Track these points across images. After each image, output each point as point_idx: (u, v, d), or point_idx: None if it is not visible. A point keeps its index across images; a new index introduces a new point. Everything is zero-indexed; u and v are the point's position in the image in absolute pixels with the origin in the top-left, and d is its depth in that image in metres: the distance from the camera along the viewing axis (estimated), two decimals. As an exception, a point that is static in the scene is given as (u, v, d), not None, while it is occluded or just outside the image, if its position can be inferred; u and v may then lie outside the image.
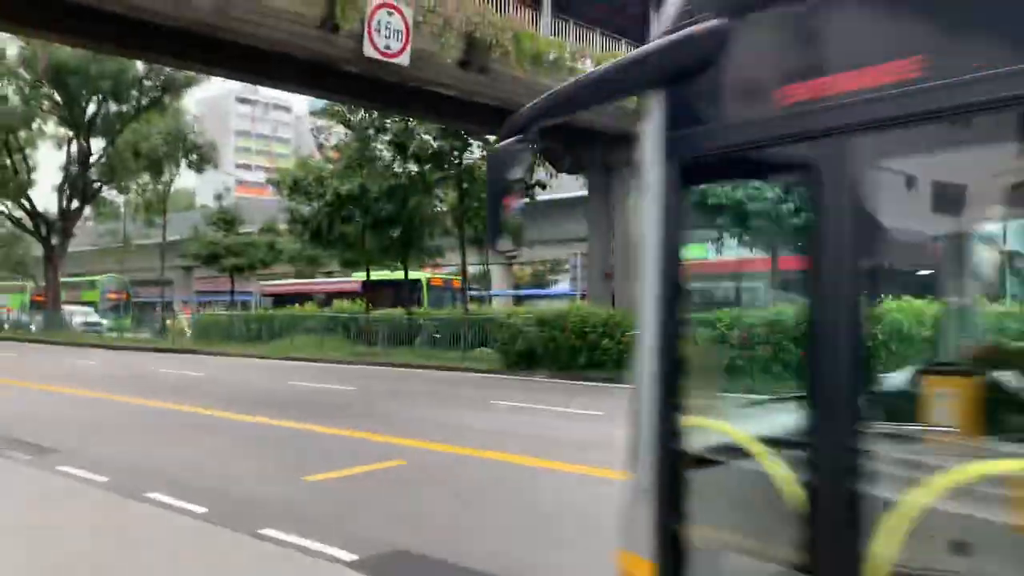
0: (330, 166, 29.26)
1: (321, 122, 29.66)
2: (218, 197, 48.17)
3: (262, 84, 24.09)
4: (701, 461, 2.33)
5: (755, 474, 2.29)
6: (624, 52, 22.79)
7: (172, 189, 49.57)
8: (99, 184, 48.74)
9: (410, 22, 16.83)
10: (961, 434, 2.42)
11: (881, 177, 2.05)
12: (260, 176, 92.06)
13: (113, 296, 52.10)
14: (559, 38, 21.07)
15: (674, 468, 2.24)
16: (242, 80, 26.01)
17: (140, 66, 42.01)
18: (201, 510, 7.02)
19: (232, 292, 46.47)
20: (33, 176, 50.13)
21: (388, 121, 26.79)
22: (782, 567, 2.11)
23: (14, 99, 46.35)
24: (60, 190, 47.91)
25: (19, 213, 50.71)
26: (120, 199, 50.15)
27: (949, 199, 2.86)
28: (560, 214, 37.41)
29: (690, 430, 2.27)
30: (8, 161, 47.82)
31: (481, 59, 18.61)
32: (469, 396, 16.32)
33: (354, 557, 5.78)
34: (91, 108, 46.22)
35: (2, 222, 54.26)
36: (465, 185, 26.63)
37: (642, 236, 2.32)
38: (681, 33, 2.15)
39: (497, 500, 7.79)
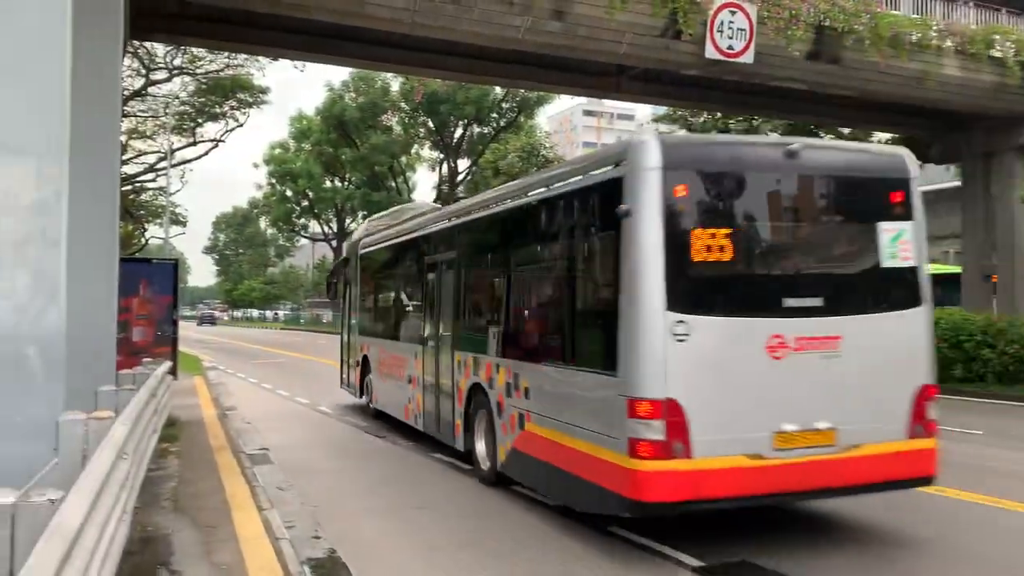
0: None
1: (663, 127, 29.89)
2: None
3: (606, 97, 24.89)
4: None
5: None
6: (1001, 24, 19.96)
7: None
8: (465, 200, 53.96)
9: (754, 19, 16.30)
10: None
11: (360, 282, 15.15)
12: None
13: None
14: (924, 15, 19.02)
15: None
16: (586, 95, 27.13)
17: (499, 90, 45.77)
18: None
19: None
20: (412, 195, 57.03)
21: (731, 121, 26.22)
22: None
23: (397, 129, 53.10)
24: (433, 207, 53.80)
25: (402, 229, 57.82)
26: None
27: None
28: (926, 210, 33.76)
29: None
30: (393, 183, 54.86)
31: (832, 49, 17.44)
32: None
33: None
34: (458, 132, 51.30)
35: (388, 237, 62.27)
36: (815, 183, 25.13)
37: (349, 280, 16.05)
38: (346, 253, 16.59)
39: (853, 521, 7.23)
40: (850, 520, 7.22)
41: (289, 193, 64.40)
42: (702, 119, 27.05)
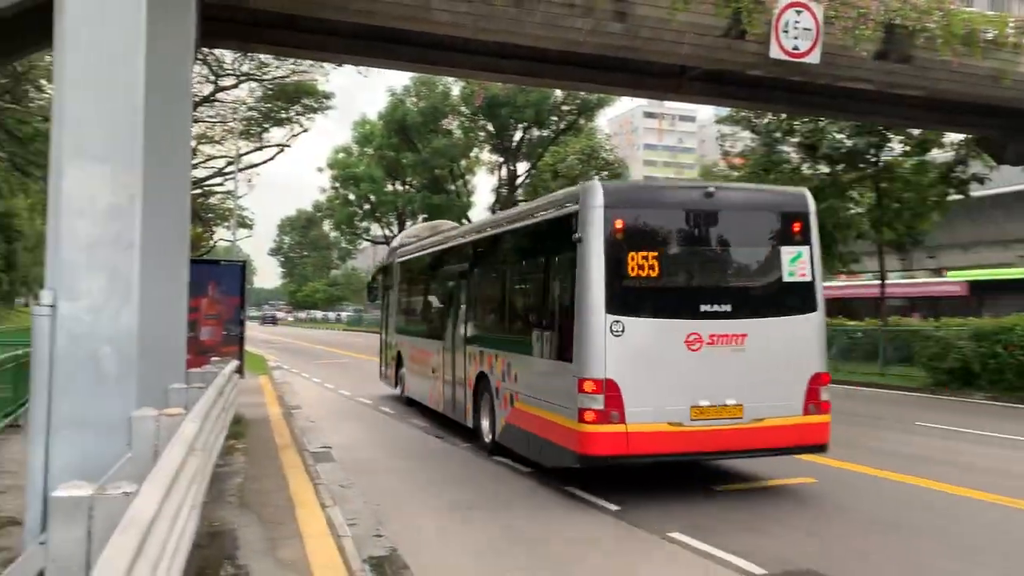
0: (735, 173, 28.97)
1: (726, 129, 29.44)
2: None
3: (667, 99, 24.64)
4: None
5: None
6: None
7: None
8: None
9: (820, 19, 15.95)
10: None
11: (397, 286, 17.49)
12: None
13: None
14: (1000, 12, 18.34)
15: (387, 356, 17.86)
16: (647, 97, 26.92)
17: (559, 93, 45.71)
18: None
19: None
20: (472, 199, 57.34)
21: (796, 123, 25.70)
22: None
23: (457, 132, 53.45)
24: (492, 210, 53.97)
25: (461, 231, 58.12)
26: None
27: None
28: (1001, 212, 32.65)
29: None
30: (452, 187, 55.25)
31: (902, 48, 16.94)
32: (889, 415, 14.95)
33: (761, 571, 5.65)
34: (517, 135, 51.39)
35: (448, 240, 62.66)
36: (883, 185, 24.50)
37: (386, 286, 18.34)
38: (385, 262, 19.54)
39: (919, 530, 7.02)
40: (927, 531, 7.02)
41: (352, 197, 65.28)
42: (766, 120, 26.56)
